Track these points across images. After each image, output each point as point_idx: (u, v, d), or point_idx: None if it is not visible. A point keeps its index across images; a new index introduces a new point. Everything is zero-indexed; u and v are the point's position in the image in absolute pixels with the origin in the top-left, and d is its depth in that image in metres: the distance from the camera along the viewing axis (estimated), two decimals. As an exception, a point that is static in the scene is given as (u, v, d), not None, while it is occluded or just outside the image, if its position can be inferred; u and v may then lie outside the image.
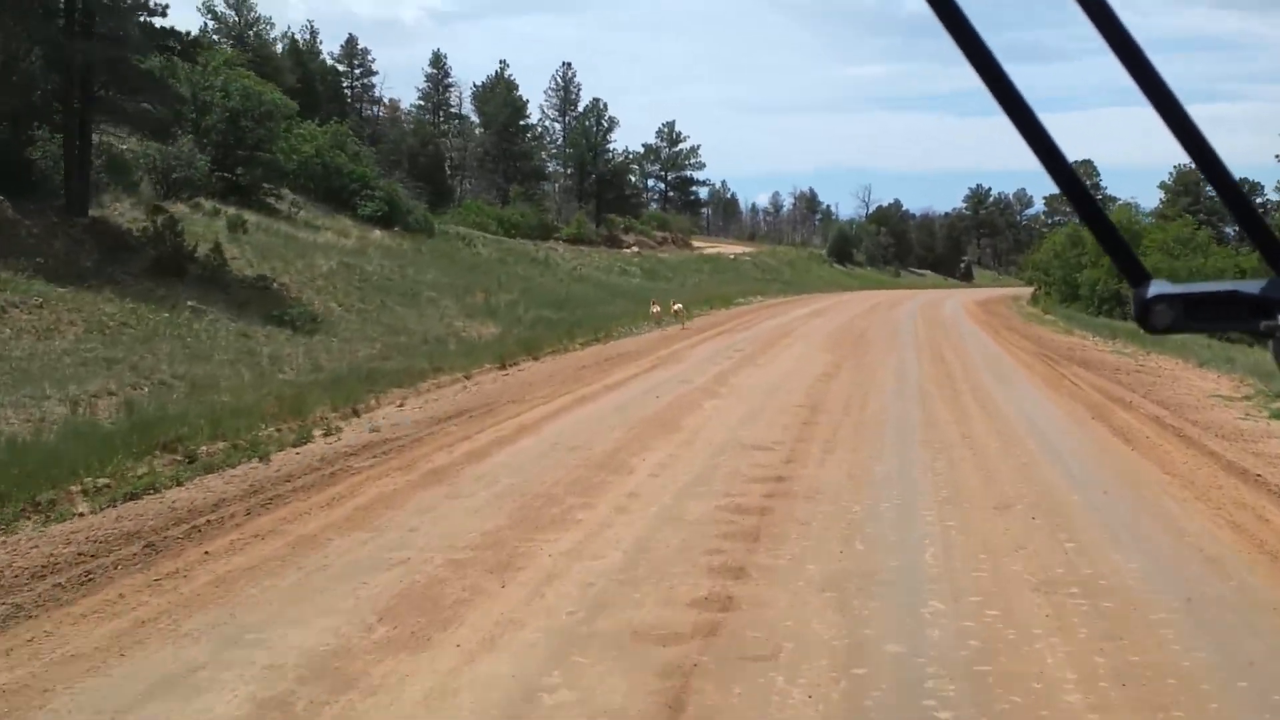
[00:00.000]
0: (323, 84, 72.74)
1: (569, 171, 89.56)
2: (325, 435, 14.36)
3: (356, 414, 16.55)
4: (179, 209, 32.36)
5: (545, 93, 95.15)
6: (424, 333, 27.00)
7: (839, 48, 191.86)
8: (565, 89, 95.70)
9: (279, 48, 68.47)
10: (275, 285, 26.87)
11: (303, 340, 22.76)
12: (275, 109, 39.71)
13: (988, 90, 1.22)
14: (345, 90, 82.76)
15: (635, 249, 71.57)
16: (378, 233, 42.92)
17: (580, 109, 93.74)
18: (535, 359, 24.60)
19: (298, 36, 74.16)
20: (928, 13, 1.20)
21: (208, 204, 34.42)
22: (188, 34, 27.06)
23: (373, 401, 17.53)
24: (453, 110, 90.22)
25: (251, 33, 63.89)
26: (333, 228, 40.52)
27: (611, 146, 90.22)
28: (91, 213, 26.08)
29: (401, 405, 17.81)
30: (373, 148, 63.64)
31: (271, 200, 40.66)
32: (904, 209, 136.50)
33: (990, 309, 51.00)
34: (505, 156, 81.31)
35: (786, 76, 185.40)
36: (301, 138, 46.71)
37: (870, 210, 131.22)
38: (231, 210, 35.09)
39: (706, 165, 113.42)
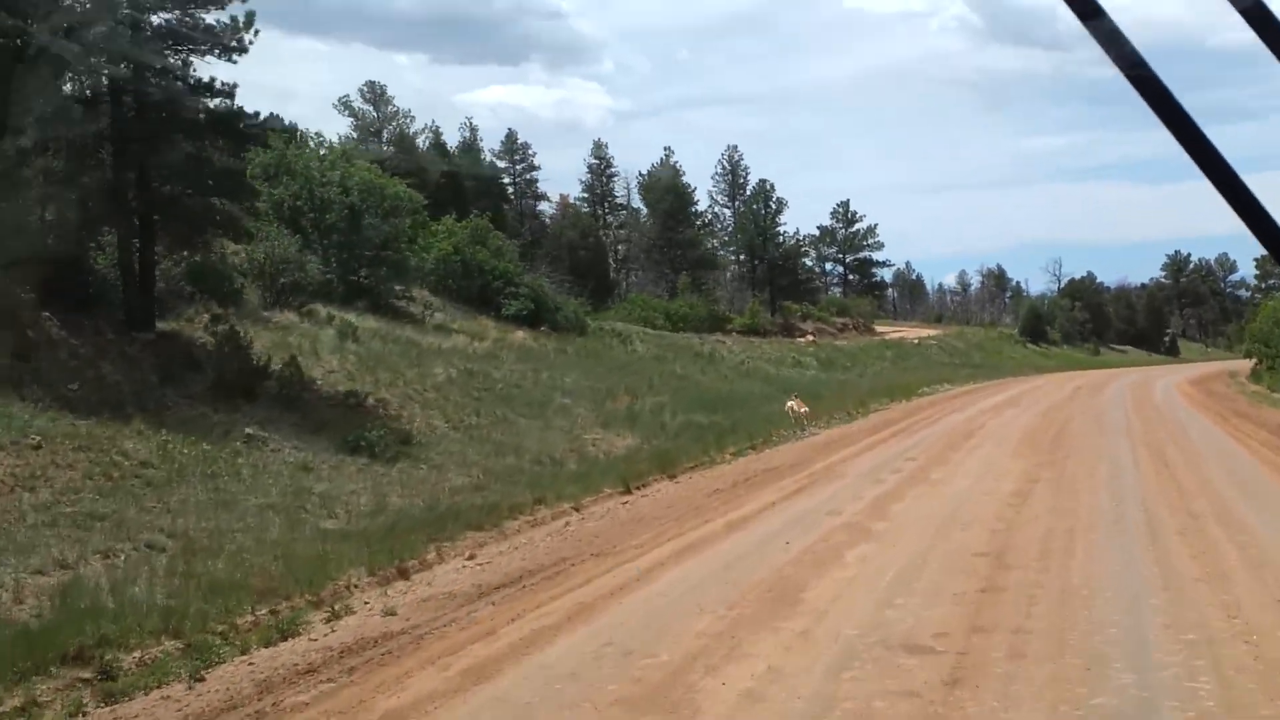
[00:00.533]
0: (480, 179, 70.53)
1: (740, 258, 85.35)
2: (328, 619, 10.48)
3: (405, 575, 12.65)
4: (286, 317, 29.13)
5: (713, 178, 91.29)
6: (543, 450, 22.86)
7: (1016, 120, 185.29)
8: (733, 173, 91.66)
9: (435, 146, 66.54)
10: (370, 401, 23.07)
11: (380, 470, 18.78)
12: (401, 204, 36.49)
13: (1185, 152, 1.21)
14: (508, 186, 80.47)
15: (811, 338, 66.85)
16: (520, 333, 39.25)
17: (749, 193, 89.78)
18: (670, 478, 20.58)
19: (440, 129, 71.70)
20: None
21: (324, 310, 31.14)
22: (256, 115, 23.53)
23: (433, 554, 13.61)
24: (618, 201, 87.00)
25: (392, 128, 61.40)
26: (468, 330, 36.95)
27: (782, 230, 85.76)
28: (165, 325, 22.75)
29: (472, 557, 13.84)
30: (523, 242, 60.80)
31: (403, 303, 37.36)
32: (1098, 281, 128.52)
33: (1208, 388, 45.04)
34: (671, 245, 77.56)
35: (964, 152, 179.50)
36: (438, 234, 43.56)
37: (1062, 285, 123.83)
38: (352, 316, 31.83)
39: (885, 245, 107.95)
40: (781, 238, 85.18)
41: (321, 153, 38.85)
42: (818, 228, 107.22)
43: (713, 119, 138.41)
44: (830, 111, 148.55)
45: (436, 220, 41.85)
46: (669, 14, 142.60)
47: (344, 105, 61.75)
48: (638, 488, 19.51)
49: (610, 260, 76.40)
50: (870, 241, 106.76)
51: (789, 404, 31.42)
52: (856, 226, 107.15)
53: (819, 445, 25.83)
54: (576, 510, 17.21)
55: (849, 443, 26.02)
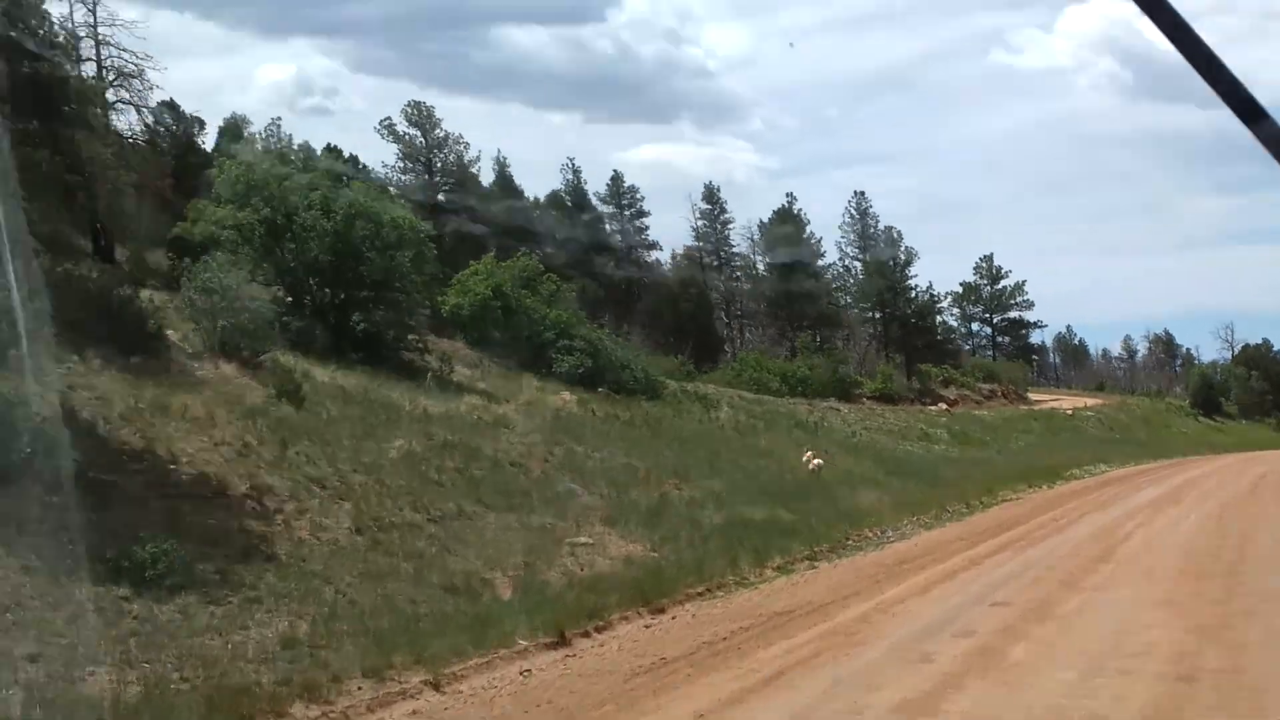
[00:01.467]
0: (584, 226, 63.83)
1: (874, 316, 76.74)
2: None
3: None
4: (222, 370, 22.21)
5: (840, 228, 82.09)
6: (483, 566, 15.38)
7: (1176, 178, 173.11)
8: (861, 222, 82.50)
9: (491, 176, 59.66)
10: (243, 489, 15.80)
11: (140, 609, 11.43)
12: (403, 233, 29.40)
13: None
14: (614, 233, 73.43)
15: (943, 406, 58.10)
16: (565, 395, 31.83)
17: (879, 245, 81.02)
18: (656, 611, 13.06)
19: (505, 159, 64.58)
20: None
21: (289, 361, 24.27)
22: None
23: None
24: (734, 251, 78.94)
25: (443, 157, 54.56)
26: (496, 391, 29.75)
27: (914, 284, 77.09)
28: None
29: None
30: (616, 292, 53.56)
31: (415, 355, 30.29)
32: (1275, 349, 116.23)
33: None
34: (791, 300, 69.51)
35: (1123, 211, 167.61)
36: (476, 274, 36.56)
37: (1236, 352, 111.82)
38: (326, 368, 24.95)
39: (1035, 305, 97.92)
40: (914, 292, 76.51)
41: (291, 163, 32.25)
42: (960, 284, 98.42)
43: (859, 176, 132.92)
44: (978, 168, 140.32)
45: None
46: (817, 73, 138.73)
47: (387, 129, 54.86)
48: (579, 634, 12.09)
49: (723, 316, 68.67)
50: (1019, 300, 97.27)
51: (806, 454, 29.22)
52: (1003, 283, 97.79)
53: (889, 562, 18.03)
54: (411, 696, 9.77)
55: (931, 560, 18.13)
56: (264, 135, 54.91)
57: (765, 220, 78.47)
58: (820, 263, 78.00)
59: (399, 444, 20.41)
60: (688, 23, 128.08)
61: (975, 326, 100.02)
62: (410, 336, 30.25)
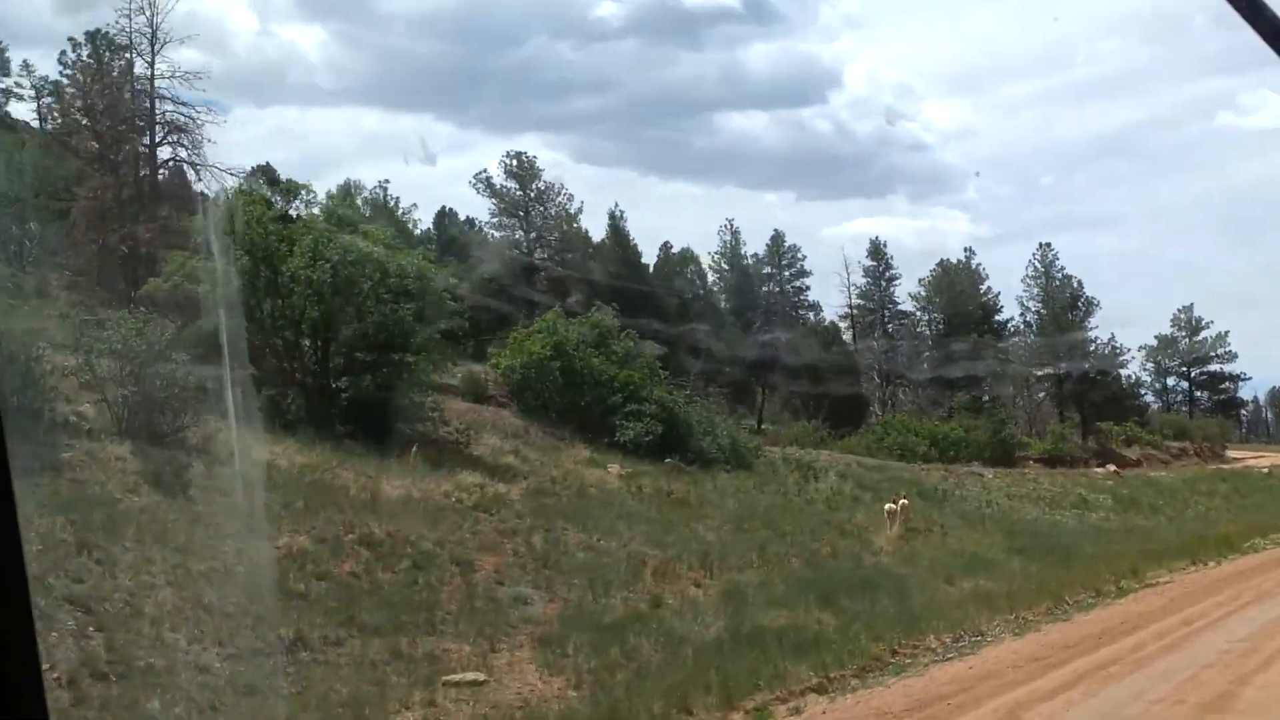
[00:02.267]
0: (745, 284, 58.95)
1: (1041, 375, 69.46)
2: None
3: None
4: (111, 451, 17.82)
5: (1023, 281, 74.90)
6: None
7: None
8: (1045, 276, 75.47)
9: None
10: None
11: None
12: (408, 281, 24.78)
13: None
14: (774, 293, 68.41)
15: (1111, 469, 50.77)
16: (614, 468, 26.75)
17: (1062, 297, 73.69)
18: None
19: (621, 212, 59.68)
20: None
21: (224, 435, 19.76)
22: None
23: None
24: (900, 308, 72.85)
25: (545, 208, 49.94)
26: (519, 465, 24.91)
27: (1095, 336, 69.81)
28: None
29: None
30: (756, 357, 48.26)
31: (429, 426, 25.65)
32: None
33: None
34: (948, 359, 63.03)
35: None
36: (536, 333, 31.84)
37: None
38: (276, 445, 20.43)
39: (1239, 357, 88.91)
40: (1094, 345, 69.14)
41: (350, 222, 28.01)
42: (1155, 336, 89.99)
43: (1074, 240, 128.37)
44: (1199, 229, 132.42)
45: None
46: (1035, 143, 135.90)
47: (483, 183, 50.45)
48: None
49: (875, 378, 62.62)
50: (1220, 352, 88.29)
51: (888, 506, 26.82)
52: (1204, 334, 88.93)
53: (896, 709, 12.28)
54: None
55: (958, 703, 12.35)
56: (370, 196, 51.71)
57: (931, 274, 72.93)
58: (997, 319, 72.09)
59: (285, 541, 15.59)
60: (906, 99, 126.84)
61: (1171, 381, 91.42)
62: (423, 401, 25.60)
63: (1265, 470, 56.86)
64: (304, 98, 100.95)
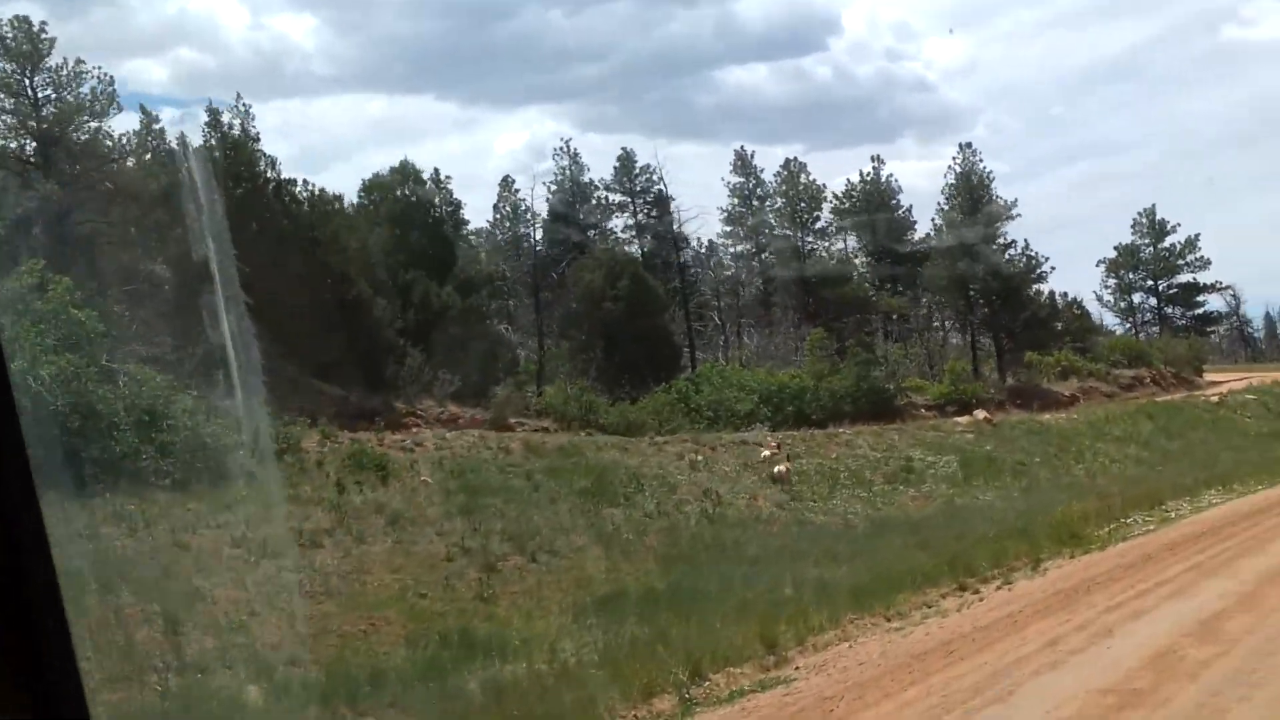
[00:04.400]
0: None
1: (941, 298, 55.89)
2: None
3: None
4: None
5: (943, 191, 60.87)
6: None
7: None
8: (966, 179, 60.95)
9: None
10: None
11: None
12: None
13: None
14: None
15: (981, 414, 36.74)
16: None
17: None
18: None
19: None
20: None
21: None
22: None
23: None
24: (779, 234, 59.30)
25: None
26: None
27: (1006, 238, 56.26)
28: None
29: None
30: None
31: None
32: None
33: None
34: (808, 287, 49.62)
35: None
36: None
37: None
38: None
39: (1212, 264, 75.50)
40: (1009, 258, 55.40)
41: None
42: (1114, 247, 76.47)
43: (1086, 169, 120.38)
44: (1209, 149, 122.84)
45: None
46: (1040, 72, 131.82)
47: None
48: None
49: (715, 317, 49.44)
50: (1190, 259, 74.76)
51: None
52: (1170, 241, 75.26)
53: None
54: None
55: None
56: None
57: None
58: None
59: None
60: (906, 39, 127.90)
61: (1138, 299, 77.84)
62: None
63: (1215, 400, 43.43)
64: (303, 89, 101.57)
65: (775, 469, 24.98)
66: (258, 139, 34.06)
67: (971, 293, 53.71)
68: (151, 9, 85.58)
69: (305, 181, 36.19)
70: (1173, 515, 21.07)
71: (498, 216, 52.97)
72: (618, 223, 56.71)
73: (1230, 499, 22.63)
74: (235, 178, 30.53)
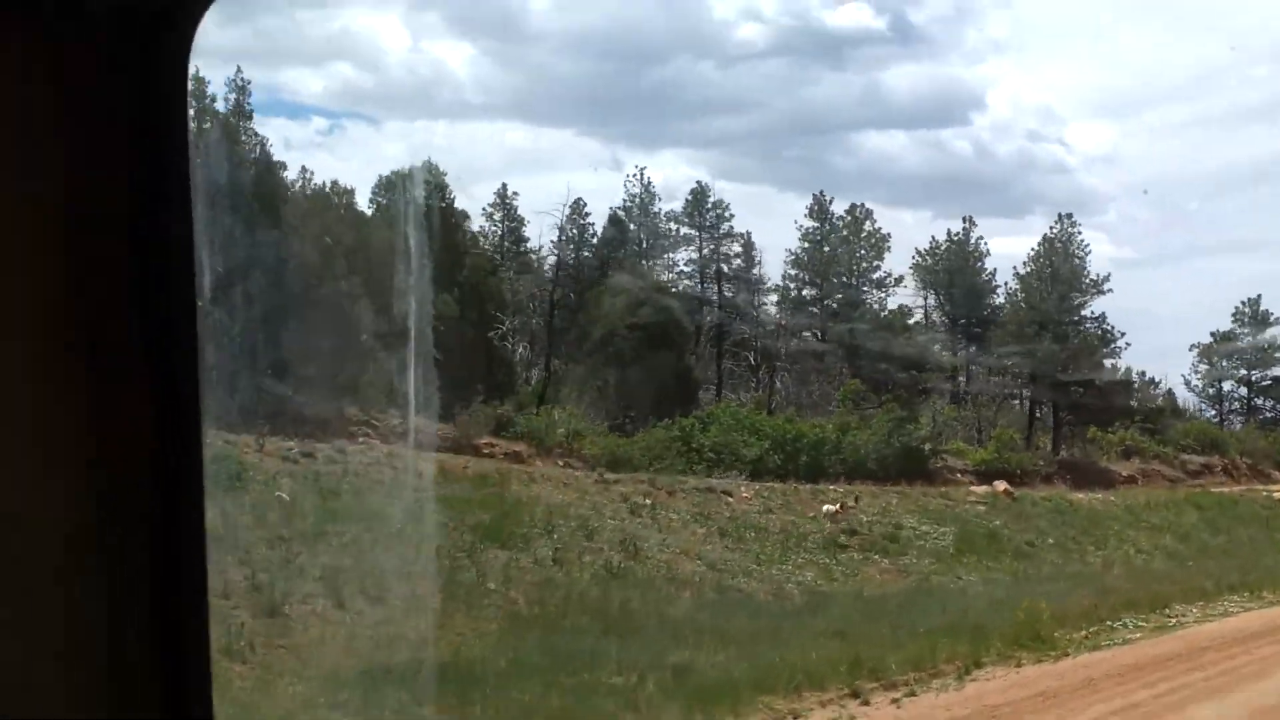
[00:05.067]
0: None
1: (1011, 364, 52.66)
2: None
3: None
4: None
5: (1021, 265, 58.46)
6: None
7: None
8: (1049, 253, 57.89)
9: None
10: None
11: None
12: None
13: None
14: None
15: (1001, 485, 33.27)
16: None
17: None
18: None
19: None
20: None
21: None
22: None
23: None
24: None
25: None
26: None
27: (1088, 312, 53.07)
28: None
29: None
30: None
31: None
32: None
33: None
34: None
35: None
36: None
37: None
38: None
39: (1310, 358, 70.81)
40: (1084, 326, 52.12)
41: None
42: (1210, 333, 71.94)
43: (1221, 264, 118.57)
44: None
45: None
46: (1179, 167, 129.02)
47: None
48: None
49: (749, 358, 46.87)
50: (1290, 352, 70.10)
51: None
52: (1271, 332, 70.65)
53: None
54: None
55: None
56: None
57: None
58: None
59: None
60: (1050, 122, 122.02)
61: (1228, 387, 73.12)
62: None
63: (1278, 496, 39.71)
64: (451, 112, 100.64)
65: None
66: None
67: (1035, 356, 50.38)
68: (317, 24, 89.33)
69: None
70: (1173, 623, 18.10)
71: (562, 239, 50.94)
72: (682, 256, 54.71)
73: (1250, 609, 19.44)
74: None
